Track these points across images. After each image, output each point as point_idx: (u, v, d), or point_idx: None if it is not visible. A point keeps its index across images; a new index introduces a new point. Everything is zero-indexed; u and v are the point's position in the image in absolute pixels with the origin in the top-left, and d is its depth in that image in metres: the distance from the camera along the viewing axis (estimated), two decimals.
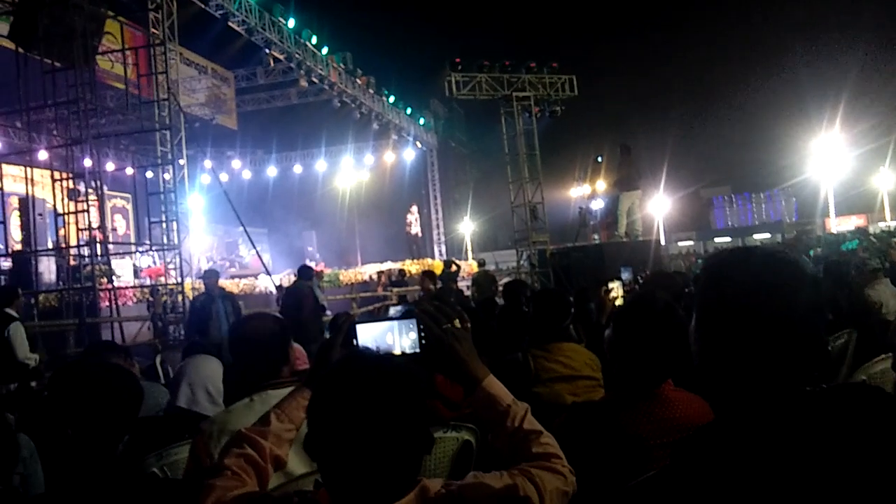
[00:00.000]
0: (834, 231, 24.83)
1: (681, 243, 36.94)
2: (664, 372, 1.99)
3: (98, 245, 11.00)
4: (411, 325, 1.54)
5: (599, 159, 15.99)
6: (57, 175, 11.39)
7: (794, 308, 1.06)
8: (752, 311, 1.06)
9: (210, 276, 8.92)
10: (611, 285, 4.54)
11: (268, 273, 15.65)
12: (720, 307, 1.11)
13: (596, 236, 15.56)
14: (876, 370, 3.22)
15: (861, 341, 4.08)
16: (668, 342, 1.95)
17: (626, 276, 6.61)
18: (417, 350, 1.52)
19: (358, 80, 21.41)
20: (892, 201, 31.97)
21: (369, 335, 1.56)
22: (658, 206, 32.38)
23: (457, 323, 1.55)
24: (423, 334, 1.53)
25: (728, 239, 36.67)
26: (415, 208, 19.98)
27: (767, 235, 34.87)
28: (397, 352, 1.51)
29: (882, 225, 23.61)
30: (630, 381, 2.01)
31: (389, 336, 1.55)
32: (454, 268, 11.98)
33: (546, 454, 1.46)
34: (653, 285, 4.62)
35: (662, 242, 18.76)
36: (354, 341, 1.57)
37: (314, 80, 19.18)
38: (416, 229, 19.63)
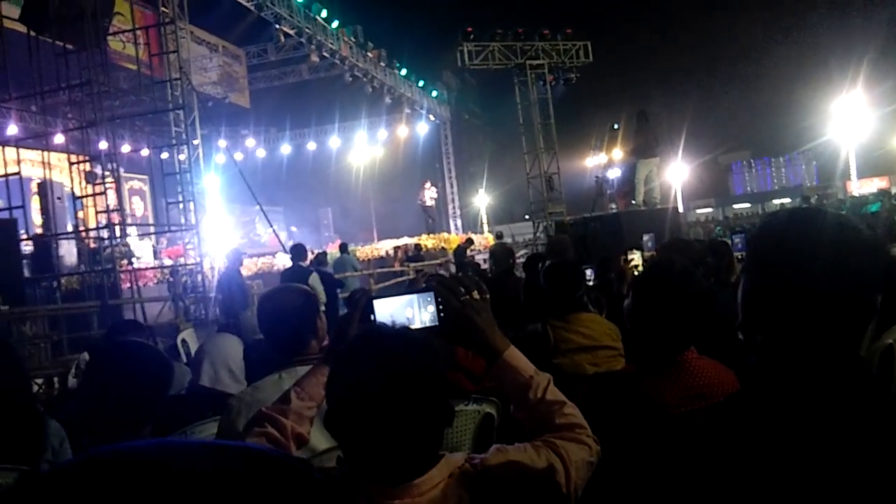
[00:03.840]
0: (856, 194, 24.43)
1: (699, 210, 36.57)
2: (686, 339, 1.96)
3: (117, 227, 11.09)
4: (429, 299, 1.52)
5: (616, 127, 15.76)
6: (73, 158, 11.47)
7: (857, 274, 1.02)
8: (814, 275, 1.03)
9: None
10: (630, 255, 4.49)
11: (285, 251, 15.73)
12: (781, 268, 1.07)
13: (613, 205, 15.39)
14: None
15: (885, 304, 4.01)
16: (688, 308, 1.92)
17: (649, 244, 6.53)
18: (437, 323, 1.50)
19: (369, 54, 21.24)
20: None
21: (387, 310, 1.55)
22: (676, 174, 32.00)
23: (475, 294, 1.53)
24: (441, 307, 1.51)
25: (748, 205, 36.24)
26: (428, 183, 19.92)
27: (787, 200, 34.42)
28: (417, 325, 1.49)
29: None
30: (652, 349, 1.98)
31: (408, 310, 1.53)
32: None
33: (570, 424, 1.44)
34: (668, 253, 4.56)
35: (681, 210, 18.54)
36: (372, 317, 1.55)
37: (325, 54, 19.04)
38: (430, 203, 19.58)
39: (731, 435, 1.05)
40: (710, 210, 37.16)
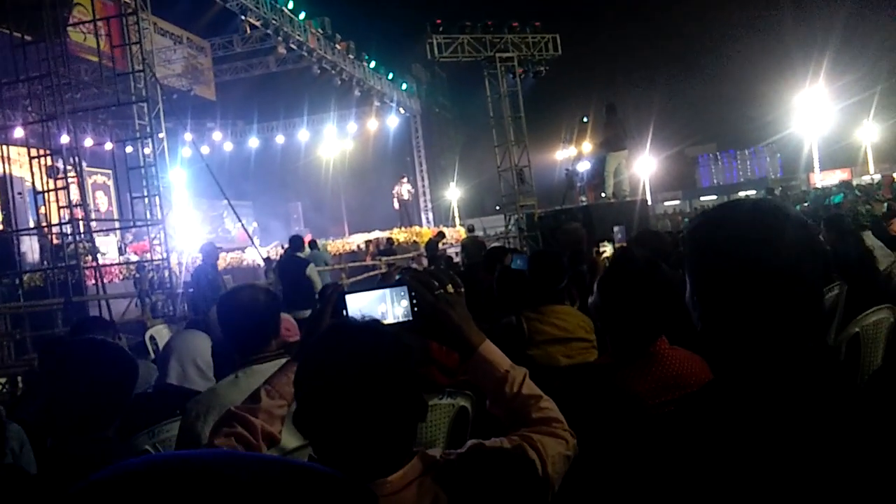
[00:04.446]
0: (818, 185, 24.94)
1: (667, 203, 37.04)
2: (655, 329, 1.96)
3: (80, 223, 10.84)
4: (403, 293, 1.49)
5: (585, 120, 15.89)
6: (34, 152, 11.16)
7: (787, 257, 1.02)
8: (746, 266, 1.03)
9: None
10: (602, 247, 4.51)
11: (255, 246, 15.54)
12: (714, 266, 1.07)
13: (583, 198, 15.50)
14: (869, 322, 3.23)
15: (852, 293, 4.09)
16: (654, 298, 1.93)
17: (619, 235, 6.58)
18: (410, 318, 1.47)
19: (337, 46, 21.04)
20: (875, 154, 32.12)
21: (359, 305, 1.51)
22: (644, 166, 32.37)
23: (450, 288, 1.50)
24: (415, 301, 1.48)
25: (714, 197, 36.81)
26: (405, 178, 19.99)
27: (753, 192, 35.03)
28: (390, 320, 1.46)
29: (866, 178, 23.71)
30: (623, 342, 1.98)
31: (381, 305, 1.50)
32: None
33: (546, 419, 1.43)
34: (639, 245, 4.58)
35: (649, 202, 18.76)
36: (344, 312, 1.52)
37: (292, 46, 18.81)
38: (407, 196, 19.63)
39: (704, 425, 1.05)
40: (677, 202, 37.65)
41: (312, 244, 13.75)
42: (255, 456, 0.53)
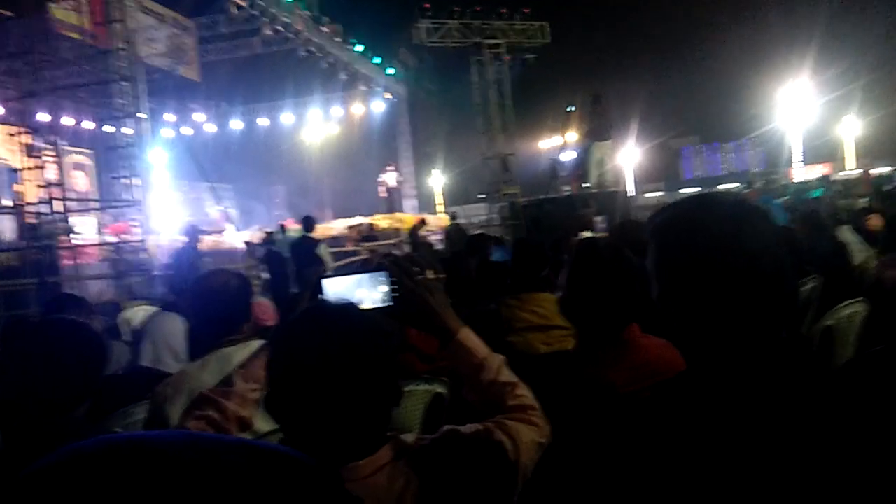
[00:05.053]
0: (798, 180, 25.19)
1: (648, 194, 37.20)
2: (624, 316, 1.95)
3: (57, 202, 10.69)
4: (382, 278, 1.47)
5: (571, 109, 15.89)
6: (12, 130, 10.97)
7: (762, 255, 1.03)
8: (720, 261, 1.03)
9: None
10: (583, 235, 4.51)
11: (236, 228, 15.43)
12: (686, 257, 1.07)
13: (567, 188, 15.54)
14: (843, 315, 3.27)
15: (827, 287, 4.14)
16: (619, 283, 1.92)
17: (601, 225, 6.61)
18: (389, 303, 1.46)
19: (324, 29, 20.83)
20: (857, 149, 32.44)
21: (337, 289, 1.50)
22: (627, 157, 32.46)
23: (430, 274, 1.49)
24: (394, 286, 1.47)
25: (697, 189, 36.99)
26: (392, 166, 19.95)
27: (736, 185, 35.30)
28: (367, 305, 1.45)
29: (843, 174, 23.97)
30: (592, 330, 1.98)
31: (359, 290, 1.48)
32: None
33: (521, 406, 1.43)
34: (621, 235, 4.60)
35: (633, 193, 18.83)
36: (321, 297, 1.50)
37: (278, 28, 18.60)
38: (395, 184, 19.62)
39: (679, 411, 1.05)
40: (660, 194, 37.79)
41: (282, 229, 13.67)
42: (219, 437, 0.51)
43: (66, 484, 0.42)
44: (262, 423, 1.67)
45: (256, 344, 1.80)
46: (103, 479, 0.42)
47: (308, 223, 9.60)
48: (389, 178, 19.42)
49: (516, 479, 1.31)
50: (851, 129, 32.48)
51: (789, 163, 32.07)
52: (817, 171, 27.44)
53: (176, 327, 2.87)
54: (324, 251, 8.79)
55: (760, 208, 1.11)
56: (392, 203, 19.65)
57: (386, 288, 1.47)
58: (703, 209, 1.10)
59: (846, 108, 31.80)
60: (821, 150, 33.11)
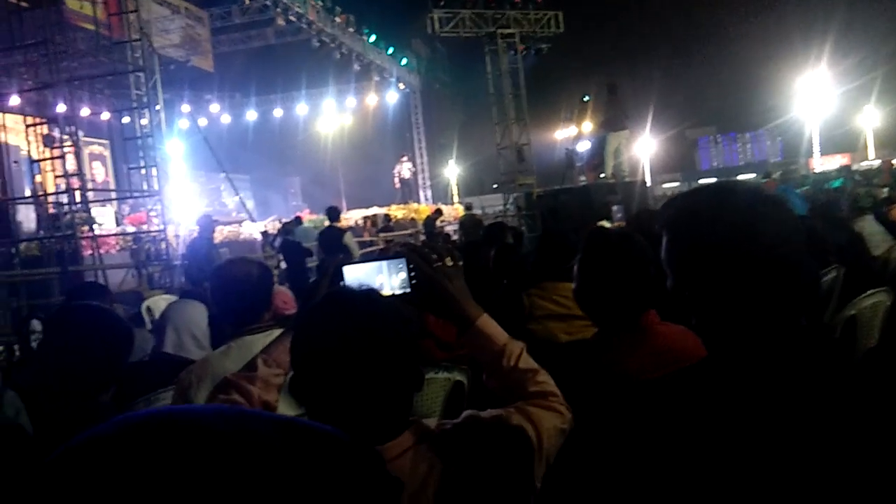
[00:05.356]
0: (818, 170, 24.89)
1: (665, 185, 36.91)
2: (640, 302, 1.94)
3: (76, 192, 10.80)
4: (401, 265, 1.48)
5: (586, 99, 15.76)
6: (30, 120, 11.07)
7: (780, 244, 1.02)
8: (738, 249, 1.03)
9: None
10: (601, 224, 4.49)
11: (252, 219, 15.51)
12: (703, 247, 1.07)
13: (582, 178, 15.44)
14: (865, 304, 3.24)
15: (849, 277, 4.10)
16: (631, 269, 1.90)
17: (618, 215, 6.58)
18: (407, 290, 1.47)
19: (337, 19, 20.80)
20: (876, 140, 32.00)
21: (357, 276, 1.51)
22: (644, 147, 32.23)
23: (448, 261, 1.50)
24: (413, 273, 1.47)
25: (714, 179, 36.60)
26: (406, 157, 19.97)
27: (753, 175, 34.93)
28: (387, 292, 1.46)
29: (864, 164, 23.65)
30: (608, 319, 1.97)
31: (378, 276, 1.49)
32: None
33: (543, 392, 1.43)
34: (638, 224, 4.57)
35: (649, 183, 18.72)
36: (342, 283, 1.51)
37: (291, 18, 18.59)
38: (408, 175, 19.65)
39: (701, 399, 1.05)
40: (677, 184, 37.48)
41: (298, 221, 13.70)
42: (259, 413, 0.52)
43: (116, 453, 0.43)
44: (286, 408, 1.69)
45: (278, 332, 1.82)
46: (153, 446, 0.43)
47: (333, 213, 9.96)
48: (404, 168, 19.44)
49: (538, 463, 1.32)
50: (871, 119, 32.01)
51: (808, 153, 31.69)
52: (836, 161, 27.11)
53: (198, 314, 2.90)
54: (349, 240, 9.09)
55: (777, 197, 1.10)
56: (407, 194, 19.66)
57: (404, 275, 1.47)
58: (719, 198, 1.09)
59: (865, 98, 31.34)
60: (839, 141, 32.70)
